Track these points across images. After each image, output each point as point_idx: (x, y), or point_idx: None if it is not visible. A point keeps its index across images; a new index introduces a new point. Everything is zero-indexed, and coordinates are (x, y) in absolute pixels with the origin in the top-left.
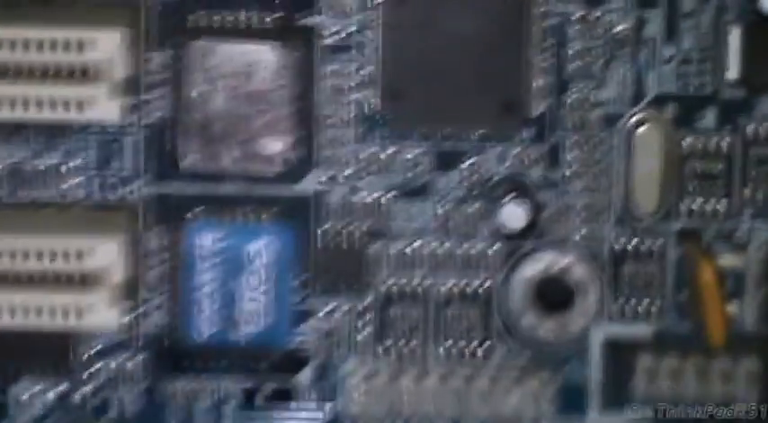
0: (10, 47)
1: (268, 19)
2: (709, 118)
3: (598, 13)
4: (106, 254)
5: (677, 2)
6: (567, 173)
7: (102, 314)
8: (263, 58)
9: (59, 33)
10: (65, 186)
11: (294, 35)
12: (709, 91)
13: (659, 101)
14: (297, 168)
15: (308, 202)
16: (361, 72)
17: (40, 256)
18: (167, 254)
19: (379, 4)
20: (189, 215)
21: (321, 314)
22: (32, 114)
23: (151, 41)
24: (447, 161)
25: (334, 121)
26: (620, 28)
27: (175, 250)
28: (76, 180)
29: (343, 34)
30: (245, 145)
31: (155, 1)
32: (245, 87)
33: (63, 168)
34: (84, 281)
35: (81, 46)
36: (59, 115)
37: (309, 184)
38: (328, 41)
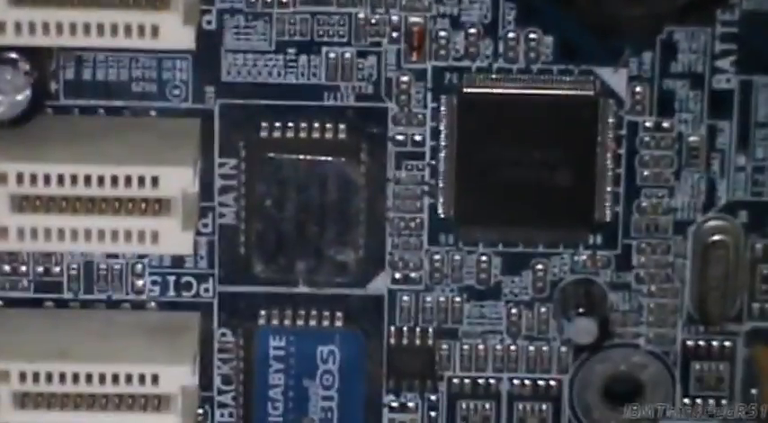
0: (85, 182)
1: (341, 126)
2: None
3: (670, 123)
4: (180, 378)
5: (750, 112)
6: (639, 274)
7: None
8: (335, 170)
9: (133, 170)
10: (139, 284)
11: (365, 144)
12: None
13: (731, 207)
14: (368, 272)
15: (380, 302)
16: (432, 179)
17: (116, 379)
18: (240, 352)
19: (448, 112)
20: (261, 314)
21: (393, 410)
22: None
23: (223, 148)
24: (516, 264)
25: (405, 226)
26: (692, 138)
27: (248, 350)
28: (150, 278)
29: (414, 142)
30: (317, 254)
31: (228, 111)
32: (317, 198)
33: (138, 267)
34: (159, 402)
35: (155, 181)
36: (133, 248)
37: (380, 285)
38: (399, 149)
